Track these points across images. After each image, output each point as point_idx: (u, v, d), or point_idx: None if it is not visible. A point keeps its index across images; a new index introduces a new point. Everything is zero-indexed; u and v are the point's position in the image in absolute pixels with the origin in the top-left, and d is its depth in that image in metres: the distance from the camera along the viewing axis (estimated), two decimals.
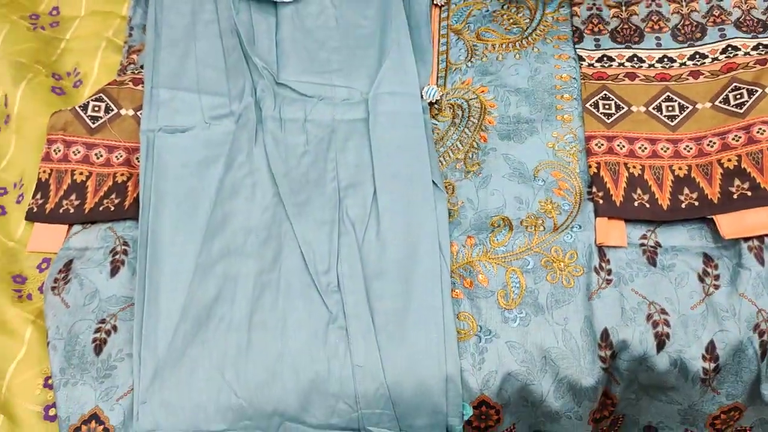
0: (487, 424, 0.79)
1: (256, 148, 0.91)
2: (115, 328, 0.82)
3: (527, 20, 1.02)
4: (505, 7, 1.04)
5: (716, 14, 0.97)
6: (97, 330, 0.82)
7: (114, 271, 0.86)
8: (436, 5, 1.06)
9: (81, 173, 0.94)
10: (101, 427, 0.76)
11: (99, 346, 0.81)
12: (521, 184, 0.87)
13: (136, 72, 1.03)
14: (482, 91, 0.96)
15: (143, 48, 1.06)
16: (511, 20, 1.03)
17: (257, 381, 0.77)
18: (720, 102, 0.89)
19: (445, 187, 0.89)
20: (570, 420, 0.78)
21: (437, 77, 1.00)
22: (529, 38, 1.00)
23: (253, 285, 0.82)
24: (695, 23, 0.97)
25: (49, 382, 0.80)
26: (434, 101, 0.96)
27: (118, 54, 1.09)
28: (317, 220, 0.85)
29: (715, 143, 0.86)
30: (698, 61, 0.94)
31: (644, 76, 0.94)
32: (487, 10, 1.04)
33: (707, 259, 0.80)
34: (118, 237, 0.89)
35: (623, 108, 0.91)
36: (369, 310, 0.79)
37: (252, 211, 0.87)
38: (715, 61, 0.93)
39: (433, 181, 0.87)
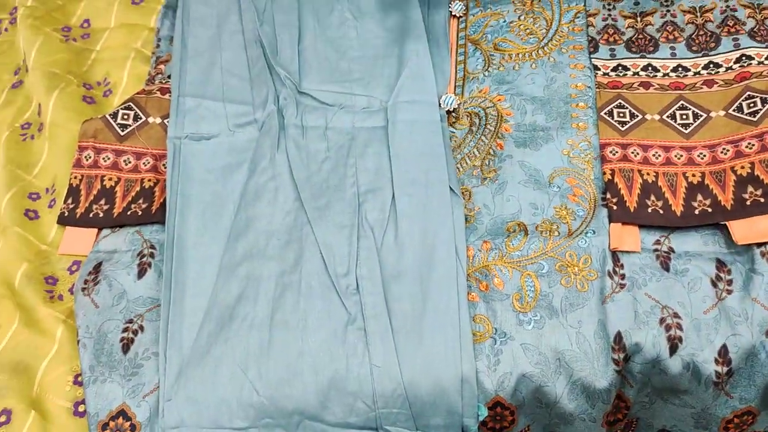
0: (502, 425, 0.81)
1: (278, 154, 0.94)
2: (141, 328, 0.85)
3: (543, 30, 1.04)
4: (521, 17, 1.07)
5: (730, 24, 0.98)
6: (125, 329, 0.85)
7: (141, 273, 0.89)
8: (454, 16, 1.09)
9: (110, 179, 0.97)
10: (128, 423, 0.79)
11: (126, 345, 0.84)
12: (536, 190, 0.89)
13: (163, 81, 1.07)
14: (499, 100, 0.99)
15: (170, 58, 1.10)
16: (528, 30, 1.05)
17: (278, 379, 0.79)
18: (734, 110, 0.90)
19: (462, 193, 0.91)
20: (584, 422, 0.80)
21: (455, 86, 1.02)
22: (545, 48, 1.02)
23: (275, 286, 0.84)
24: (710, 33, 0.99)
25: (79, 379, 0.83)
26: (452, 110, 0.98)
27: (146, 64, 1.12)
28: (337, 224, 0.88)
29: (728, 150, 0.87)
30: (712, 70, 0.95)
31: (659, 84, 0.95)
32: (505, 21, 1.07)
33: (720, 264, 0.81)
34: (145, 240, 0.92)
35: (638, 116, 0.93)
36: (387, 311, 0.81)
37: (274, 215, 0.90)
38: (729, 70, 0.94)
39: (450, 187, 0.89)
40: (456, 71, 1.04)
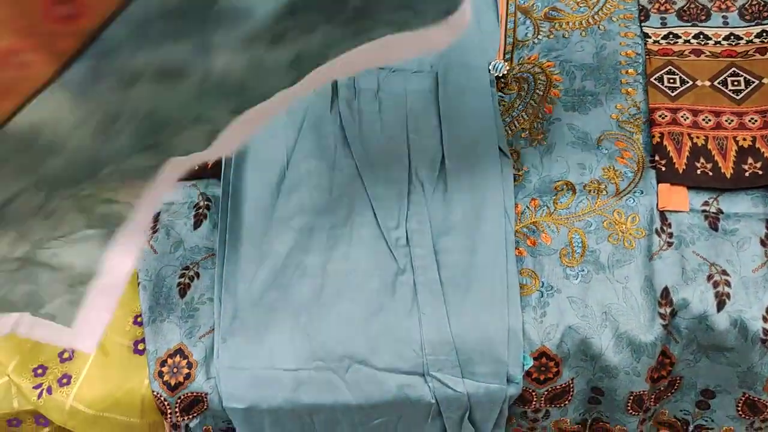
0: (547, 377, 0.82)
1: (331, 115, 0.96)
2: (197, 275, 0.88)
3: (594, 0, 1.05)
4: None
5: None
6: (182, 275, 0.88)
7: (197, 224, 0.93)
8: None
9: None
10: (185, 360, 0.83)
11: (183, 290, 0.87)
12: (584, 151, 0.90)
13: None
14: (548, 66, 1.00)
15: None
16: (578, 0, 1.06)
17: (329, 325, 0.82)
18: None
19: (511, 154, 0.92)
20: (628, 375, 0.81)
21: (504, 53, 1.03)
22: (596, 17, 1.03)
23: (327, 237, 0.87)
24: (763, 3, 0.99)
25: (138, 320, 0.87)
26: (501, 75, 1.00)
27: None
28: (388, 180, 0.90)
29: None
30: (765, 38, 0.95)
31: (710, 52, 0.96)
32: None
33: None
34: (201, 193, 0.95)
35: (688, 82, 0.93)
36: (436, 263, 0.83)
37: (326, 172, 0.92)
38: None
39: (499, 147, 0.90)
40: (505, 39, 1.05)
